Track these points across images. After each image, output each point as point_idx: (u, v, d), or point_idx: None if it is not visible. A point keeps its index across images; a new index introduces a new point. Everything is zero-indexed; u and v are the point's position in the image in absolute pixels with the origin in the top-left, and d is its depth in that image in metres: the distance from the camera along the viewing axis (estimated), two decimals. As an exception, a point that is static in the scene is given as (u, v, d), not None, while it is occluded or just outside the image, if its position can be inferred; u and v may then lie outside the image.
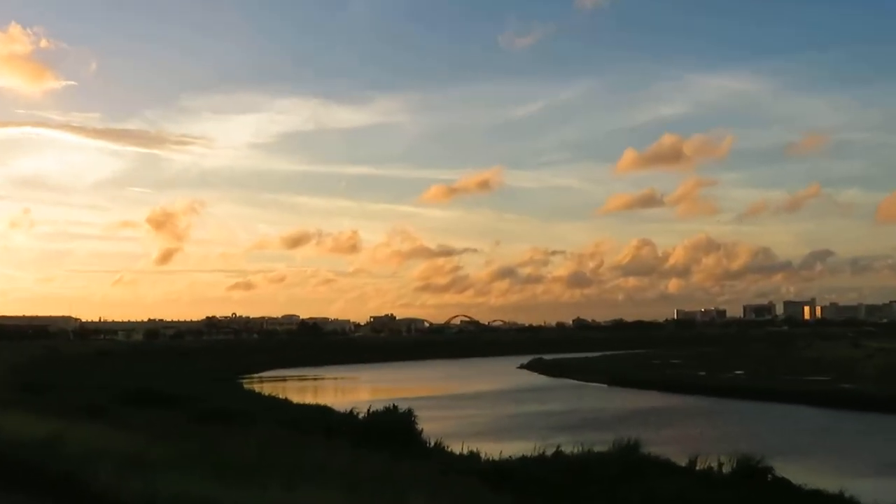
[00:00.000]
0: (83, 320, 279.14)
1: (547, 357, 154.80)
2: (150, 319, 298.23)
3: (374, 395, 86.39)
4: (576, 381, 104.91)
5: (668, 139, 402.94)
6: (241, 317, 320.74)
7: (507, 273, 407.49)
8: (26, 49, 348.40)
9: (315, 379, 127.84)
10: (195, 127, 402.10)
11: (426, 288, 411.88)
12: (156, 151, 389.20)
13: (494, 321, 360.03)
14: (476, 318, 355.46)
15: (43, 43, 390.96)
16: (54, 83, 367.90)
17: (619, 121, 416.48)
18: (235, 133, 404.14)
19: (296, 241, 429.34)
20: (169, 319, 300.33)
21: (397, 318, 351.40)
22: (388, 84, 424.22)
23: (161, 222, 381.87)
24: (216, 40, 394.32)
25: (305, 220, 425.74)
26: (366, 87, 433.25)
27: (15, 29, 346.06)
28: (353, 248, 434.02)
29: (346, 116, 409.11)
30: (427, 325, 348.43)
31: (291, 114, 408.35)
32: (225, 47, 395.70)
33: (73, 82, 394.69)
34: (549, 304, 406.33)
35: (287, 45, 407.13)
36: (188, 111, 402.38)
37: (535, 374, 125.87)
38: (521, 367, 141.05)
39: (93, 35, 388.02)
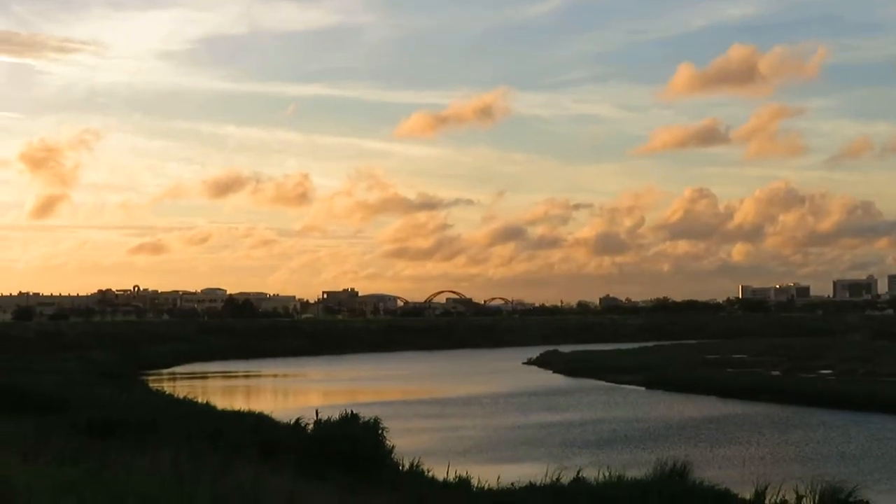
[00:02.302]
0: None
1: (564, 349, 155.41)
2: (21, 293, 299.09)
3: (327, 399, 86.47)
4: (603, 383, 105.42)
5: (736, 51, 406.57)
6: (146, 290, 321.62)
7: (512, 234, 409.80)
8: None
9: (247, 376, 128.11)
10: (81, 28, 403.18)
11: (401, 253, 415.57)
12: (28, 61, 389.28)
13: (493, 300, 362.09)
14: (468, 295, 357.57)
15: None
16: None
17: (668, 25, 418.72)
18: (137, 37, 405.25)
19: (222, 188, 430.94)
20: (47, 293, 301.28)
21: (360, 294, 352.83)
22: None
23: (38, 160, 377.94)
24: None
25: (235, 158, 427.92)
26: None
27: None
28: (302, 197, 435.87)
29: (289, 15, 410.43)
30: (401, 304, 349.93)
31: (215, 10, 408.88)
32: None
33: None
34: (569, 276, 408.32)
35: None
36: (72, 5, 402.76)
37: (548, 371, 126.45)
38: (529, 361, 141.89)
39: None
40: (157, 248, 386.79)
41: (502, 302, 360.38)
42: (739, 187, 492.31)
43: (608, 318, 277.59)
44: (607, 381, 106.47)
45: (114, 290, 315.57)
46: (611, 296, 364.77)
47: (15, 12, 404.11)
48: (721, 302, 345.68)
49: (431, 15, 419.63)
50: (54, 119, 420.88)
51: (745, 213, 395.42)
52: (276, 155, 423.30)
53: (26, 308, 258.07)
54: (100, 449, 30.54)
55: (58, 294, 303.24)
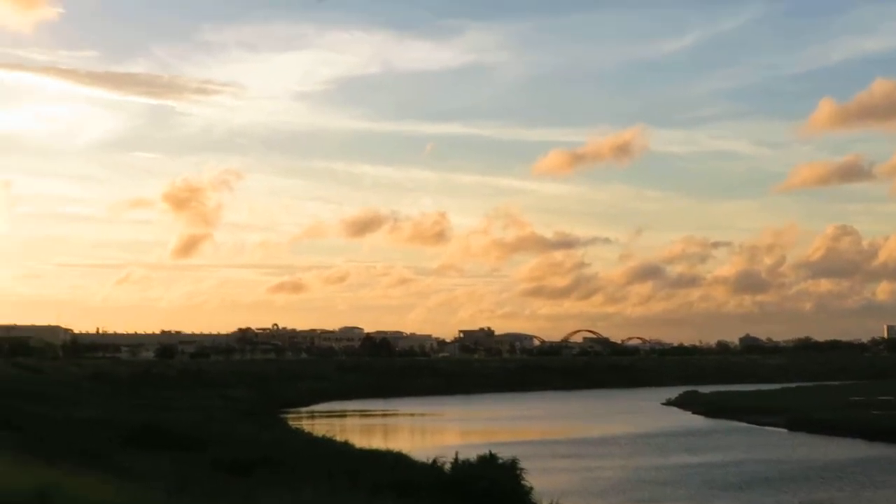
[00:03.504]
0: (76, 332, 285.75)
1: (703, 389, 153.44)
2: (164, 331, 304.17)
3: (464, 439, 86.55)
4: (743, 424, 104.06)
5: (879, 86, 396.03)
6: (285, 329, 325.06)
7: (649, 272, 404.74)
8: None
9: (384, 415, 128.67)
10: (221, 70, 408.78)
11: (537, 292, 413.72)
12: (169, 103, 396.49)
13: (630, 339, 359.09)
14: (605, 334, 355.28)
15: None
16: (45, 12, 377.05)
17: (806, 59, 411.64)
18: (275, 78, 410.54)
19: (360, 227, 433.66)
20: (189, 332, 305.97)
21: (497, 332, 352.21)
22: (480, 9, 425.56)
23: (181, 200, 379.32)
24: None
25: (373, 197, 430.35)
26: (450, 14, 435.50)
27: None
28: (439, 236, 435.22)
29: (422, 55, 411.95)
30: (538, 343, 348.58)
31: (350, 51, 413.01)
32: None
33: (61, 10, 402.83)
34: (708, 315, 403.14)
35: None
36: (211, 48, 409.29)
37: (687, 412, 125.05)
38: (668, 402, 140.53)
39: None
40: (295, 287, 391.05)
41: (640, 341, 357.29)
42: (884, 224, 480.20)
43: (748, 358, 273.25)
44: (748, 422, 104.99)
45: (253, 328, 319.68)
46: (751, 335, 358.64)
47: (156, 55, 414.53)
48: (865, 342, 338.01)
49: (566, 52, 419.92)
50: (195, 160, 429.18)
51: (889, 251, 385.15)
52: (411, 194, 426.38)
53: (168, 346, 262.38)
54: (242, 487, 30.95)
55: (199, 332, 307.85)
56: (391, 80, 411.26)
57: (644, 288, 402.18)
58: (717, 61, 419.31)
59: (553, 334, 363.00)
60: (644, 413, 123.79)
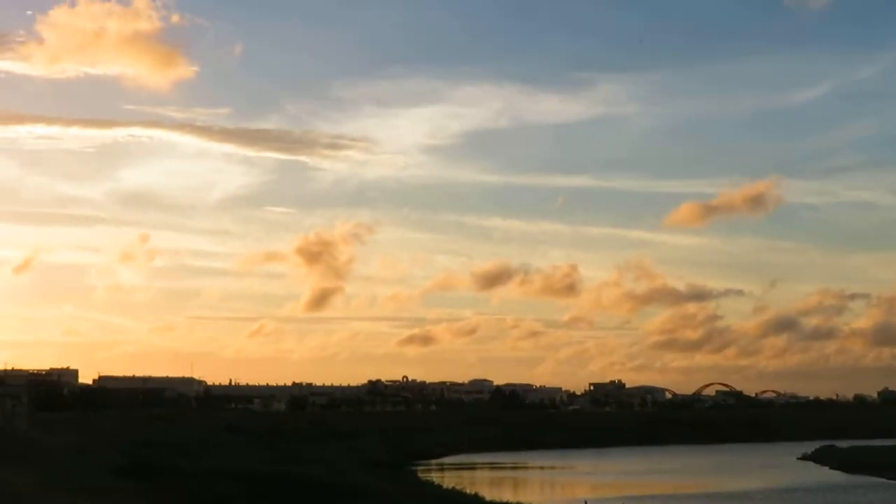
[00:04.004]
0: (209, 383, 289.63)
1: (841, 444, 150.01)
2: (295, 383, 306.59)
3: (595, 493, 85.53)
4: (884, 480, 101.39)
5: None
6: (414, 381, 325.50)
7: (784, 325, 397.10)
8: (153, 27, 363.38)
9: (514, 467, 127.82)
10: (352, 125, 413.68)
11: (669, 345, 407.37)
12: (301, 158, 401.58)
13: (765, 392, 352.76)
14: (739, 387, 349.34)
15: (175, 18, 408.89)
16: (182, 70, 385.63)
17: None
18: (405, 132, 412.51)
19: (491, 280, 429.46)
20: (320, 383, 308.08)
21: (627, 385, 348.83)
22: (611, 61, 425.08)
23: (313, 254, 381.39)
24: (379, 11, 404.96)
25: (503, 250, 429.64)
26: (581, 67, 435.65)
27: (141, 1, 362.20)
28: (570, 288, 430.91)
29: (552, 107, 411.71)
30: (669, 395, 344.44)
31: (479, 105, 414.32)
32: (390, 19, 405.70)
33: (197, 69, 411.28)
34: (845, 368, 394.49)
35: (472, 14, 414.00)
36: (343, 104, 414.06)
37: (824, 467, 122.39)
38: (804, 457, 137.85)
39: (227, 9, 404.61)
40: (425, 340, 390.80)
41: (774, 395, 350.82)
42: None
43: (888, 412, 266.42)
44: (888, 478, 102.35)
45: (383, 380, 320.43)
46: (890, 389, 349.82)
47: (288, 112, 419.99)
48: None
49: (698, 103, 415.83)
50: (327, 214, 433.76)
51: None
52: (542, 246, 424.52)
53: (300, 398, 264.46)
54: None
55: (329, 384, 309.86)
56: (521, 133, 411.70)
57: (779, 340, 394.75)
58: (853, 110, 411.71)
59: (685, 387, 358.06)
60: (780, 468, 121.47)
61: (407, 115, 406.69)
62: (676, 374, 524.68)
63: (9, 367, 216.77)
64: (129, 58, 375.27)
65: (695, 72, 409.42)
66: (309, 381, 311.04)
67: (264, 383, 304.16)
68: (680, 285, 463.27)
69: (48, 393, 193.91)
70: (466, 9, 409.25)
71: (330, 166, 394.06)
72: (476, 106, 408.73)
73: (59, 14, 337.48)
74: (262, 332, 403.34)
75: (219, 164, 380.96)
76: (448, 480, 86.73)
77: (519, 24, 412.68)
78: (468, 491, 70.02)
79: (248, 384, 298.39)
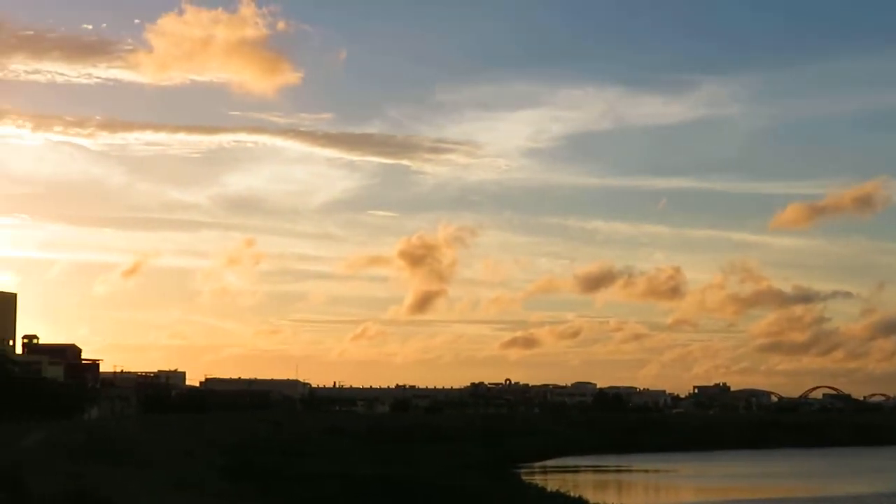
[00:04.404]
0: (314, 385, 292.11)
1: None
2: (398, 386, 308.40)
3: (699, 496, 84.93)
4: None
5: None
6: (517, 384, 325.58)
7: (893, 327, 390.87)
8: (259, 34, 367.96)
9: (618, 471, 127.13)
10: (454, 129, 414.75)
11: (775, 347, 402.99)
12: (404, 162, 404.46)
13: (873, 395, 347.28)
14: (847, 390, 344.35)
15: (280, 25, 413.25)
16: (287, 76, 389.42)
17: None
18: (507, 136, 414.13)
19: (594, 282, 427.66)
20: (423, 386, 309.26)
21: (732, 388, 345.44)
22: (714, 62, 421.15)
23: (417, 257, 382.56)
24: (481, 14, 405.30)
25: (605, 252, 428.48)
26: (682, 68, 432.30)
27: (247, 9, 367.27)
28: (673, 291, 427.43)
29: (654, 109, 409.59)
30: (775, 399, 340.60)
31: (581, 108, 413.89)
32: (492, 23, 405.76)
33: (302, 75, 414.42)
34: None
35: (574, 16, 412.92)
36: (445, 108, 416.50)
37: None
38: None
39: (331, 15, 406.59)
40: (528, 342, 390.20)
41: (883, 398, 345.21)
42: None
43: None
44: None
45: (486, 383, 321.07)
46: None
47: (391, 116, 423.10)
48: None
49: (802, 103, 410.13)
50: (429, 217, 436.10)
51: None
52: (645, 248, 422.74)
53: (403, 400, 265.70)
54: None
55: (432, 387, 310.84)
56: (623, 136, 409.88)
57: (888, 343, 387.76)
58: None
59: (791, 390, 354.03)
60: (890, 472, 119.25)
61: (509, 118, 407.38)
62: (782, 378, 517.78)
63: (118, 370, 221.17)
64: (235, 65, 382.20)
65: (799, 71, 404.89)
66: (412, 383, 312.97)
67: (368, 386, 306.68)
68: (786, 287, 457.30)
69: (156, 395, 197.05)
70: (569, 11, 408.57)
71: (432, 170, 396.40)
72: (578, 108, 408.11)
73: (167, 22, 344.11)
74: (366, 335, 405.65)
75: (322, 169, 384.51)
76: (551, 483, 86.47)
77: (621, 25, 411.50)
78: (571, 494, 69.81)
79: (351, 387, 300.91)
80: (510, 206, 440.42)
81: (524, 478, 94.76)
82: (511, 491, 67.49)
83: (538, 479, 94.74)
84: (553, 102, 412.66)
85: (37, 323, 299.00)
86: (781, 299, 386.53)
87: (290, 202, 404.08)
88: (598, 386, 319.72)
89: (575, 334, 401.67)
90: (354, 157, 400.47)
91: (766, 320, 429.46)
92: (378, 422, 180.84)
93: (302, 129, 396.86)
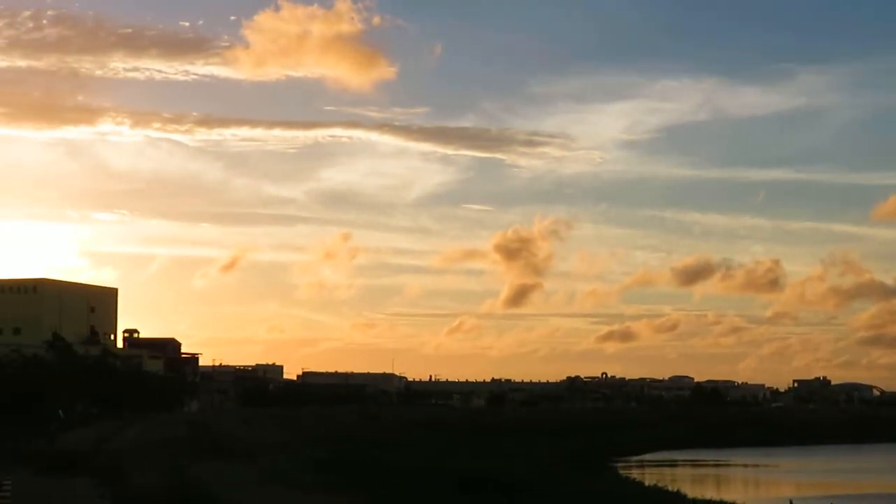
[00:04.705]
0: (410, 379, 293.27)
1: None
2: (494, 379, 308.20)
3: (801, 491, 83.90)
4: None
5: None
6: (613, 378, 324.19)
7: None
8: (355, 29, 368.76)
9: (716, 465, 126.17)
10: (548, 122, 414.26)
11: (877, 341, 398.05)
12: (498, 156, 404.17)
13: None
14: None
15: (376, 20, 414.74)
16: (382, 71, 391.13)
17: None
18: (602, 128, 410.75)
19: (692, 275, 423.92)
20: (519, 379, 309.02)
21: (833, 382, 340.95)
22: (811, 52, 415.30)
23: (512, 251, 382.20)
24: (576, 5, 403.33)
25: (703, 245, 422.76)
26: (780, 58, 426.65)
27: (343, 4, 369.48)
28: (773, 284, 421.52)
29: (752, 100, 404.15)
30: (877, 393, 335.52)
31: (677, 99, 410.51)
32: (587, 14, 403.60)
33: (397, 69, 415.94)
34: None
35: (670, 7, 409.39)
36: (538, 101, 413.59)
37: None
38: None
39: (426, 9, 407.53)
40: (625, 336, 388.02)
41: None
42: None
43: None
44: None
45: (582, 376, 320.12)
46: None
47: (485, 109, 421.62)
48: None
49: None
50: (524, 210, 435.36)
51: None
52: (743, 241, 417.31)
53: (499, 394, 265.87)
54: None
55: (528, 380, 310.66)
56: (720, 127, 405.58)
57: None
58: None
59: (893, 384, 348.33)
60: None
61: (604, 110, 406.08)
62: (885, 371, 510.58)
63: (217, 364, 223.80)
64: (330, 60, 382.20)
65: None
66: (508, 377, 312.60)
67: (464, 379, 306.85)
68: (888, 280, 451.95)
69: (254, 388, 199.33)
70: (666, 2, 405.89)
71: (527, 163, 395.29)
72: (674, 100, 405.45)
73: (263, 19, 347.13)
74: (462, 329, 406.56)
75: (417, 163, 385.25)
76: (648, 478, 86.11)
77: (717, 16, 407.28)
78: (669, 488, 69.34)
79: (447, 380, 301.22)
80: (605, 199, 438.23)
81: (621, 472, 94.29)
82: (608, 485, 67.18)
83: (635, 474, 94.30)
84: (649, 94, 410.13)
85: (137, 318, 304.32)
86: (883, 291, 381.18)
87: (385, 196, 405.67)
88: (696, 380, 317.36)
89: (672, 328, 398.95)
90: (449, 150, 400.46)
91: (867, 313, 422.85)
92: (474, 415, 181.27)
93: (397, 123, 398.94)
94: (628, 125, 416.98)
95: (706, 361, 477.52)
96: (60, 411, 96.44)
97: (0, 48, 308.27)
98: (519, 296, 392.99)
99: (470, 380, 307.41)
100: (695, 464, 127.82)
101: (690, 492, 70.11)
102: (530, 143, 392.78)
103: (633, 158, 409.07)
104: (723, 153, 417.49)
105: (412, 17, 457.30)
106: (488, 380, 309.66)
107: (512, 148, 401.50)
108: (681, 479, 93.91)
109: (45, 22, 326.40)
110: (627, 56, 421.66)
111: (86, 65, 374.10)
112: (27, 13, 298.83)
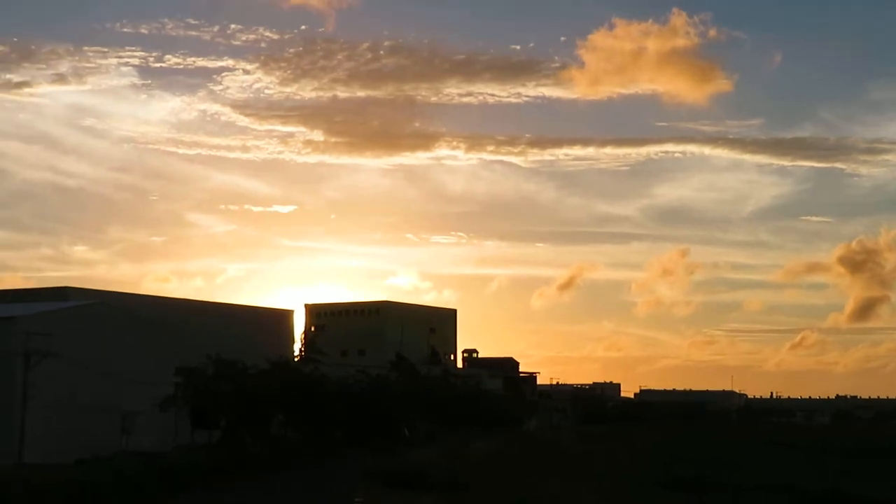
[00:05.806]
0: (749, 396, 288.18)
1: None
2: (839, 396, 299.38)
3: None
4: None
5: None
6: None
7: None
8: (690, 43, 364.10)
9: None
10: (890, 128, 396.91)
11: None
12: (837, 166, 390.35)
13: None
14: None
15: (711, 33, 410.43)
16: (718, 84, 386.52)
17: None
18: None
19: None
20: (866, 396, 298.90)
21: None
22: None
23: (857, 263, 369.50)
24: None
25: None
26: None
27: (678, 18, 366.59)
28: None
29: None
30: None
31: None
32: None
33: (734, 81, 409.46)
34: None
35: None
36: (880, 107, 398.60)
37: None
38: None
39: (763, 19, 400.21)
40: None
41: None
42: None
43: None
44: None
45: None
46: None
47: (823, 118, 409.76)
48: None
49: None
50: (867, 221, 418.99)
51: None
52: None
53: (845, 411, 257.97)
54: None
55: (876, 397, 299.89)
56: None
57: None
58: None
59: None
60: None
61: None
62: None
63: (554, 382, 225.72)
64: (665, 75, 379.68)
65: None
66: (854, 393, 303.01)
67: (806, 396, 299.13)
68: None
69: (593, 406, 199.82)
70: None
71: (868, 172, 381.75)
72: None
73: (597, 38, 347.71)
74: (804, 345, 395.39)
75: (752, 176, 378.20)
76: None
77: None
78: None
79: (789, 397, 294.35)
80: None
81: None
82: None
83: None
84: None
85: (476, 338, 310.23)
86: None
87: (720, 211, 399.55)
88: None
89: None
90: (785, 162, 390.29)
91: None
92: (818, 434, 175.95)
93: (731, 136, 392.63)
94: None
95: None
96: (406, 429, 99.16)
97: (341, 80, 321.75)
98: (865, 309, 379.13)
99: (813, 397, 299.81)
100: None
101: None
102: (871, 151, 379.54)
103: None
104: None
105: (749, 28, 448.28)
106: (832, 396, 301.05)
107: (852, 157, 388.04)
108: None
109: (382, 53, 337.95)
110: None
111: (422, 92, 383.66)
112: (365, 45, 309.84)
